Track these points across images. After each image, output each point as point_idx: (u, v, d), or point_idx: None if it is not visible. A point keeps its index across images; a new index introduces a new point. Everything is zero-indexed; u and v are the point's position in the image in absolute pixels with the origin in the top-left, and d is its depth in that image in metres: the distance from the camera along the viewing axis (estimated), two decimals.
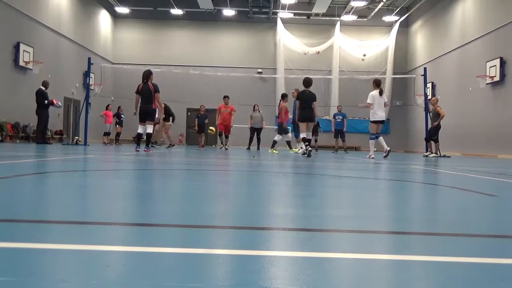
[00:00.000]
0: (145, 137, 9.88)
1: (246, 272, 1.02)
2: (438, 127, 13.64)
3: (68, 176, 3.64)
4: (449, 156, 14.31)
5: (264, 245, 1.31)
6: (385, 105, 10.26)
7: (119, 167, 4.92)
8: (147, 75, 9.72)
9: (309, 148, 9.92)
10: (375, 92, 10.07)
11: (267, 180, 3.94)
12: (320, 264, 1.13)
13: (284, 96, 13.33)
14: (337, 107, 18.36)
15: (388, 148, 10.10)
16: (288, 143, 13.81)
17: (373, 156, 10.00)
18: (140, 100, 9.72)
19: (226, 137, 15.76)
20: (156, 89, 9.69)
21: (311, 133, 10.36)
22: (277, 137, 12.94)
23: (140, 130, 9.92)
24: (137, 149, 9.75)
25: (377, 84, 10.25)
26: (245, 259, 1.14)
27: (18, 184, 2.85)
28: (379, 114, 10.08)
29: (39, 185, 2.94)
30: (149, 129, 9.87)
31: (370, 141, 10.41)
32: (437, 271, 1.10)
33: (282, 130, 13.07)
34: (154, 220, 1.74)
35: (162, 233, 1.48)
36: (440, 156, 13.60)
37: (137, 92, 9.77)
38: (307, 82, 10.25)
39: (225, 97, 15.79)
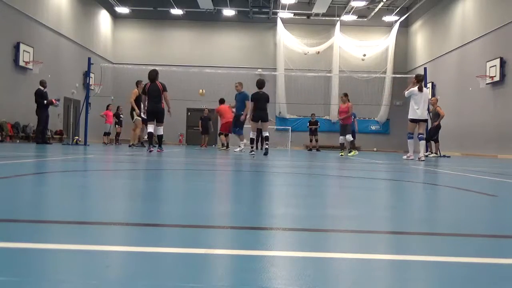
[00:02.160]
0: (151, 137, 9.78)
1: (246, 272, 1.02)
2: (438, 127, 13.64)
3: (68, 176, 3.64)
4: (449, 156, 14.30)
5: (264, 245, 1.31)
6: (429, 102, 9.50)
7: (119, 167, 4.92)
8: (156, 74, 9.58)
9: (254, 149, 10.17)
10: (416, 89, 9.29)
11: (267, 180, 3.94)
12: (320, 264, 1.13)
13: (346, 96, 12.97)
14: None
15: (425, 154, 9.43)
16: (342, 145, 13.16)
17: (412, 157, 9.41)
18: (147, 100, 9.55)
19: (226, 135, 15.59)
20: (165, 88, 9.53)
21: (267, 132, 10.24)
22: (349, 137, 12.43)
23: (150, 129, 9.69)
24: (150, 149, 9.43)
25: (418, 79, 9.38)
26: (245, 259, 1.14)
27: (18, 184, 2.85)
28: (418, 112, 9.27)
29: (39, 185, 2.94)
30: (160, 130, 9.65)
31: (408, 140, 9.64)
32: (437, 271, 1.10)
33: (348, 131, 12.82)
34: (154, 220, 1.74)
35: (162, 233, 1.48)
36: (440, 156, 13.60)
37: (144, 92, 9.61)
38: (260, 83, 10.34)
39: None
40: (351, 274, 1.07)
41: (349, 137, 12.36)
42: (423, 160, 9.11)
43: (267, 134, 10.12)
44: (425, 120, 9.45)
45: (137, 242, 1.34)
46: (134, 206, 2.12)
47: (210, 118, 18.79)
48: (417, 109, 9.24)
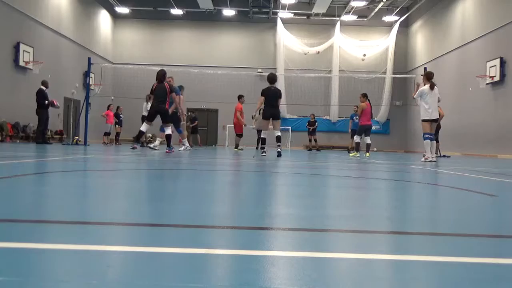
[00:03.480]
0: (144, 136, 9.79)
1: (246, 272, 1.02)
2: (438, 127, 13.62)
3: (68, 176, 3.64)
4: (449, 156, 14.32)
5: (264, 245, 1.31)
6: (438, 101, 9.00)
7: (119, 167, 4.92)
8: (162, 75, 9.50)
9: (264, 149, 9.55)
10: (426, 87, 8.79)
11: (267, 180, 3.94)
12: (320, 264, 1.13)
13: (364, 96, 12.30)
14: (354, 107, 17.89)
15: (434, 157, 9.04)
16: (358, 145, 12.67)
17: (431, 158, 8.92)
18: (153, 100, 9.49)
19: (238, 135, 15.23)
20: (172, 90, 9.46)
21: (279, 131, 9.53)
22: (357, 138, 12.05)
23: (143, 128, 9.59)
24: (134, 145, 9.59)
25: (428, 77, 8.93)
26: (245, 259, 1.14)
27: (18, 184, 2.85)
28: (432, 112, 8.82)
29: (39, 185, 2.94)
30: (168, 130, 9.60)
31: (425, 142, 9.00)
32: (437, 271, 1.10)
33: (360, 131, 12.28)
34: (154, 220, 1.74)
35: (162, 233, 1.48)
36: (440, 156, 13.60)
37: (152, 92, 9.57)
38: (272, 78, 9.57)
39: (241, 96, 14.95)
40: (351, 274, 1.07)
41: (356, 138, 12.36)
42: (434, 161, 8.84)
43: (279, 134, 9.44)
44: (436, 120, 9.10)
45: (137, 242, 1.34)
46: (134, 206, 2.12)
47: (197, 118, 20.56)
48: (428, 109, 8.80)
